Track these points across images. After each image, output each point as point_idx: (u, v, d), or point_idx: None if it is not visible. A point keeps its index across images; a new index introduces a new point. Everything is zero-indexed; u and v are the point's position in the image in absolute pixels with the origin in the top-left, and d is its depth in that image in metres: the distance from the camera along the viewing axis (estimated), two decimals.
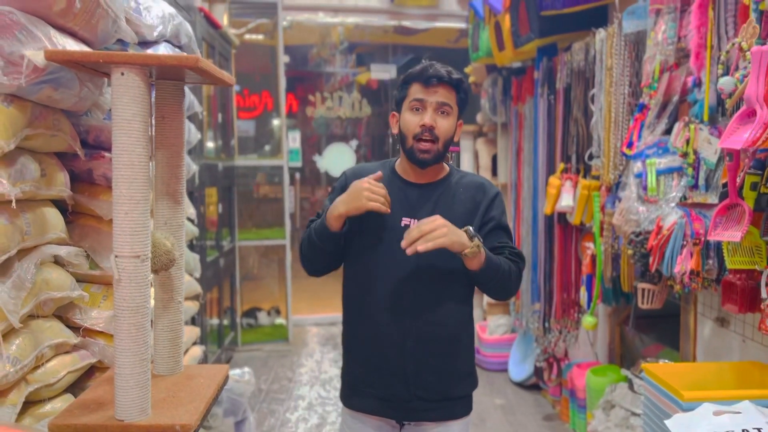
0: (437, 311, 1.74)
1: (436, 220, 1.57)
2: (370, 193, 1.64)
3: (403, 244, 1.57)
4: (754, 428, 1.62)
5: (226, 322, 4.79)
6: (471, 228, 1.63)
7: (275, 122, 6.57)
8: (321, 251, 1.75)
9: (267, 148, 6.30)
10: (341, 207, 1.67)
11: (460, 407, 1.82)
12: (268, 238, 5.28)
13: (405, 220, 1.74)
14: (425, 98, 1.69)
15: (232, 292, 4.85)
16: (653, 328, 3.26)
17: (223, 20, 4.43)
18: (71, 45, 1.49)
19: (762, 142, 1.64)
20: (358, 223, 1.75)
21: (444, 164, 1.83)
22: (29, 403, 1.57)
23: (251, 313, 5.44)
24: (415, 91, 1.71)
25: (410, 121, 1.72)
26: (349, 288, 1.83)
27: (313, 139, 7.25)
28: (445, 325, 1.75)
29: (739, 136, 1.71)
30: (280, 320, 5.50)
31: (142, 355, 1.42)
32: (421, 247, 1.54)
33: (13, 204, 1.41)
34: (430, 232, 1.55)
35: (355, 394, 1.83)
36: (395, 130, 1.79)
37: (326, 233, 1.71)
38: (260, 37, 5.79)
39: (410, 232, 1.57)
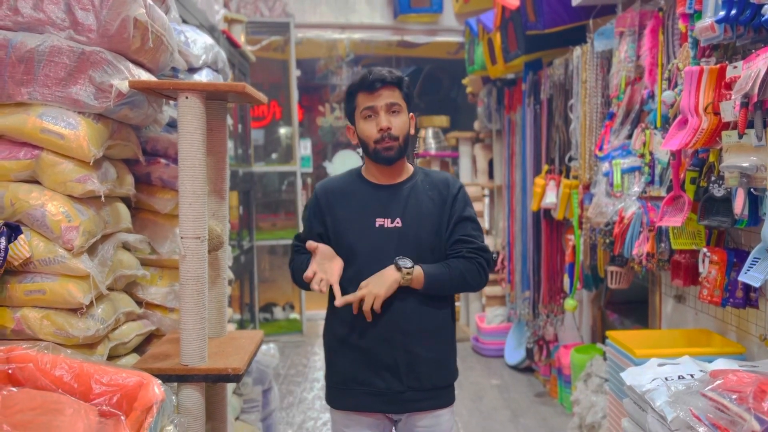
0: (420, 304, 1.84)
1: (365, 292, 1.76)
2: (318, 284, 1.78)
3: (368, 318, 1.78)
4: (688, 374, 2.00)
5: (245, 316, 5.20)
6: (398, 259, 1.79)
7: (282, 131, 6.98)
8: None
9: (274, 156, 6.70)
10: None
11: (447, 396, 1.92)
12: (282, 238, 5.70)
13: (379, 221, 1.85)
14: (374, 104, 1.79)
15: (251, 288, 5.26)
16: (633, 312, 3.64)
17: (241, 39, 4.85)
18: (143, 74, 1.91)
19: (693, 144, 2.03)
20: (337, 230, 1.87)
21: (408, 164, 1.94)
22: (108, 358, 1.98)
23: (267, 308, 5.86)
24: (363, 99, 1.81)
25: (367, 128, 1.81)
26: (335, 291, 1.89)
27: (319, 146, 7.66)
28: (429, 316, 1.86)
29: (676, 140, 2.11)
30: (294, 315, 5.91)
31: (201, 314, 1.82)
32: (377, 307, 1.76)
33: (102, 198, 1.82)
34: (373, 301, 1.75)
35: (347, 394, 1.88)
36: (354, 141, 1.90)
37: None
38: (271, 50, 6.22)
39: (365, 312, 1.77)
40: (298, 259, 1.94)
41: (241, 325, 4.85)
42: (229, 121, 2.91)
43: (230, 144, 4.68)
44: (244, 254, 4.80)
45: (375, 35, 6.06)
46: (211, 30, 3.70)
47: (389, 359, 1.83)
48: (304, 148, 6.07)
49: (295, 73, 5.52)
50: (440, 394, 1.89)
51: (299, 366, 4.71)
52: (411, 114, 1.88)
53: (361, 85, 1.81)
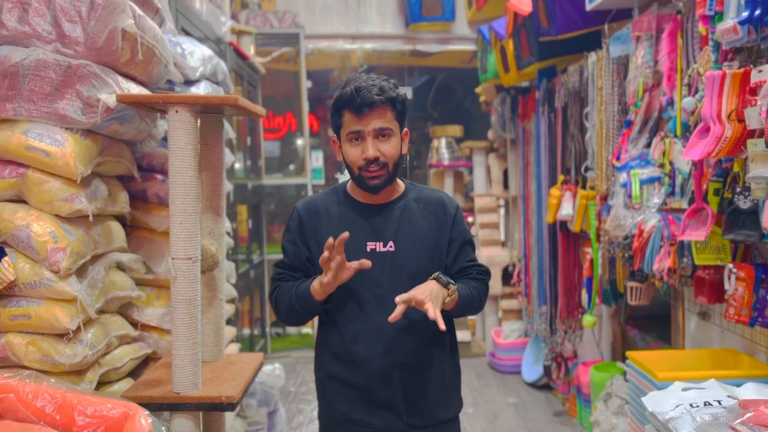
0: (418, 335, 1.68)
1: (426, 299, 1.52)
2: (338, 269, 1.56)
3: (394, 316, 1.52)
4: (715, 400, 1.87)
5: (256, 331, 5.11)
6: (441, 274, 1.61)
7: (299, 142, 6.92)
8: (307, 317, 1.71)
9: (292, 167, 6.63)
10: (324, 287, 1.59)
11: (452, 429, 1.77)
12: None
13: (370, 245, 1.67)
14: (362, 129, 1.59)
15: (261, 303, 5.18)
16: (654, 327, 3.50)
17: (250, 51, 4.79)
18: (133, 88, 1.83)
19: (716, 153, 1.91)
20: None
21: (399, 181, 1.75)
22: (100, 384, 1.89)
23: (279, 322, 5.77)
24: (349, 120, 1.60)
25: (352, 153, 1.62)
26: (325, 323, 1.75)
27: (333, 157, 7.59)
28: (428, 346, 1.70)
29: (698, 149, 1.99)
30: (306, 330, 5.81)
31: (194, 339, 1.73)
32: (434, 315, 1.50)
33: (90, 218, 1.74)
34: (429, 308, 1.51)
35: None
36: (339, 158, 1.69)
37: (315, 306, 1.64)
38: (284, 62, 6.17)
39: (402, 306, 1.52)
40: (285, 286, 1.70)
41: (251, 340, 4.77)
42: (232, 134, 2.83)
43: (239, 156, 4.62)
44: (254, 268, 4.72)
45: (386, 45, 5.99)
46: (217, 42, 3.65)
47: (387, 397, 1.67)
48: (316, 160, 5.99)
49: (305, 84, 5.46)
50: (445, 429, 1.74)
51: (310, 383, 4.60)
52: (405, 130, 1.68)
53: (348, 104, 1.59)
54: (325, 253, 1.53)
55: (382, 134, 1.60)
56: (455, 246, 1.72)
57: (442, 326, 1.50)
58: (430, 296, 1.54)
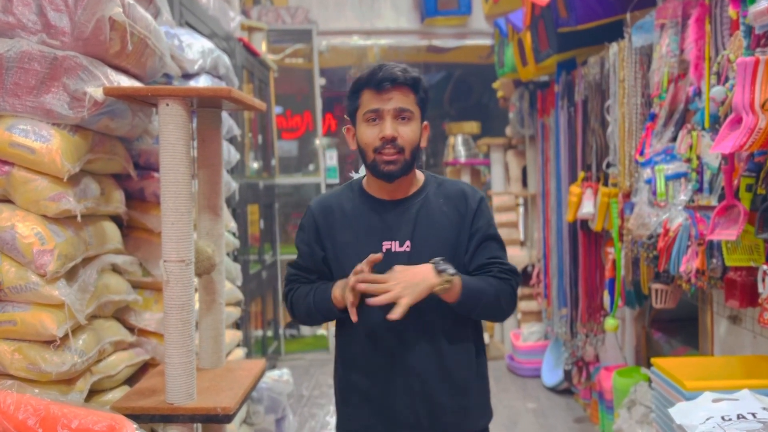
0: (440, 343, 1.57)
1: (392, 287, 1.43)
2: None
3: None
4: (749, 413, 1.72)
5: (269, 333, 5.03)
6: (440, 260, 1.49)
7: (317, 141, 6.84)
8: (325, 320, 1.66)
9: (311, 167, 6.55)
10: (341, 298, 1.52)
11: None
12: None
13: (386, 244, 1.57)
14: (381, 107, 1.51)
15: (274, 304, 5.09)
16: (680, 330, 3.34)
17: (262, 47, 4.71)
18: (125, 81, 1.74)
19: (748, 146, 1.77)
20: (338, 256, 1.60)
21: (418, 172, 1.65)
22: (93, 392, 1.81)
23: (293, 324, 5.68)
24: (368, 99, 1.52)
25: (368, 134, 1.53)
26: (341, 330, 1.67)
27: (352, 156, 7.49)
28: (451, 355, 1.58)
29: (728, 142, 1.84)
30: (321, 331, 5.72)
31: (188, 347, 1.63)
32: (398, 315, 1.42)
33: (78, 218, 1.65)
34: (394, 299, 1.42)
35: None
36: (353, 146, 1.61)
37: (336, 313, 1.57)
38: (299, 60, 6.08)
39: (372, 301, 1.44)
40: (301, 290, 1.62)
41: (264, 342, 4.68)
42: (237, 131, 2.74)
43: (251, 155, 4.53)
44: (267, 269, 4.63)
45: (401, 40, 5.87)
46: (226, 38, 3.56)
47: (408, 413, 1.56)
48: (330, 159, 5.89)
49: (318, 81, 5.36)
50: None
51: (324, 386, 4.50)
52: (425, 123, 1.60)
53: (368, 81, 1.52)
54: (352, 280, 1.46)
55: (402, 116, 1.53)
56: (475, 241, 1.58)
57: (394, 315, 1.40)
58: (404, 286, 1.42)
